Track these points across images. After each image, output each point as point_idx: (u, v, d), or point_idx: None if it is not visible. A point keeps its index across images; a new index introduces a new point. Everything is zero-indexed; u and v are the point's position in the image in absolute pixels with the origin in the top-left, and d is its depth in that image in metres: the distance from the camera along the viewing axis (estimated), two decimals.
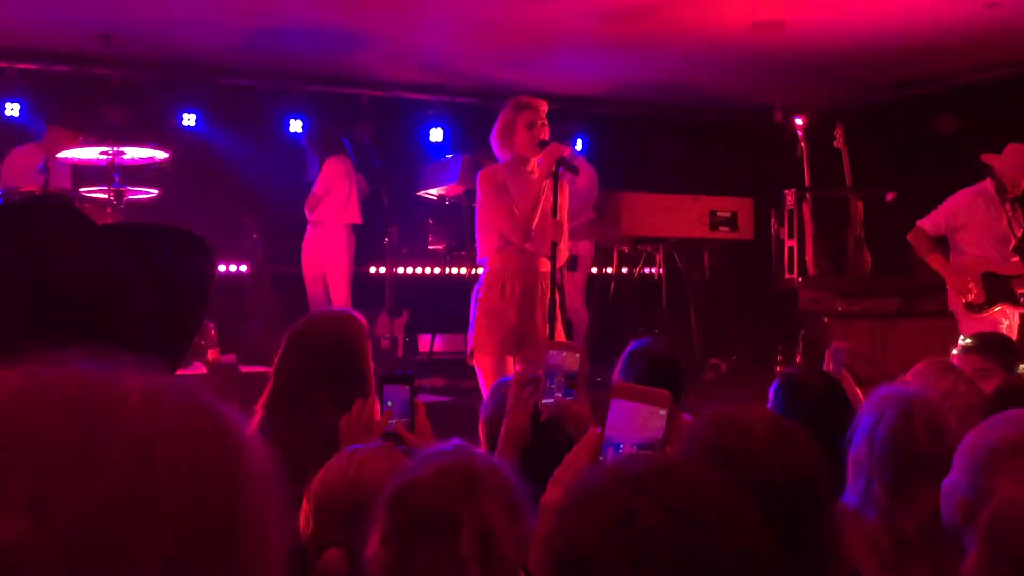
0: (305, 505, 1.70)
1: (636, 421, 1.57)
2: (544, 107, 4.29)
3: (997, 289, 5.31)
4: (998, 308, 5.30)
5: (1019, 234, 5.44)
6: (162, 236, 1.24)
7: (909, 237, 5.53)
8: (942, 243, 5.56)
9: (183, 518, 0.59)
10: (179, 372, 6.37)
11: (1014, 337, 5.12)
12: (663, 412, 1.55)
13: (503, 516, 1.43)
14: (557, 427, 2.25)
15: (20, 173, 6.23)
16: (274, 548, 0.65)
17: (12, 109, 7.18)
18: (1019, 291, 5.33)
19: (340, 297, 6.75)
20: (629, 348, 2.88)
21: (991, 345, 3.48)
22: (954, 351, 3.61)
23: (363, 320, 2.59)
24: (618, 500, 0.94)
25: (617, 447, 1.57)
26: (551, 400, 2.17)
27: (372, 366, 2.51)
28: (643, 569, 0.90)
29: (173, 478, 0.60)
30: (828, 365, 3.22)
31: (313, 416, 2.30)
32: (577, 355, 2.18)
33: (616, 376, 2.80)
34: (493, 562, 1.39)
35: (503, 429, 2.23)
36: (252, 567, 0.63)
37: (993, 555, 1.34)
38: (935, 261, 5.47)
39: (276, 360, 2.48)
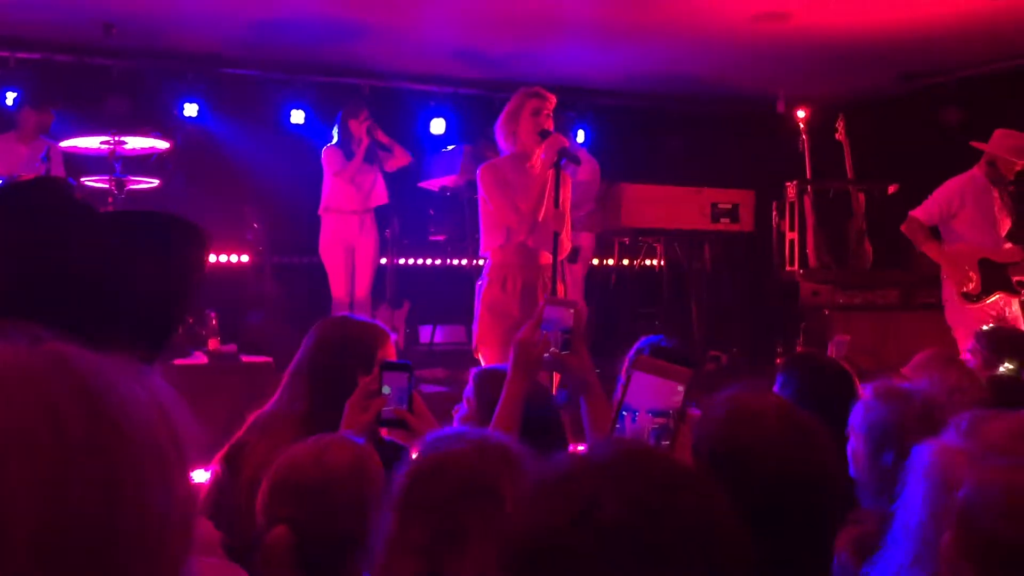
0: (264, 484, 1.71)
1: (654, 393, 1.64)
2: (552, 100, 4.29)
3: (994, 277, 5.30)
4: (995, 297, 5.30)
5: (1011, 220, 5.44)
6: (156, 222, 1.24)
7: (903, 228, 5.53)
8: (935, 233, 5.56)
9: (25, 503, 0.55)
10: (179, 362, 6.30)
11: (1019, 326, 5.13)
12: (681, 388, 1.62)
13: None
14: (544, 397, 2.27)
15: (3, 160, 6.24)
16: (158, 511, 0.61)
17: (13, 99, 7.17)
18: (1015, 279, 5.32)
19: (364, 287, 6.71)
20: (639, 343, 2.88)
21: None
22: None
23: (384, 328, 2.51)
24: (582, 488, 0.89)
25: (634, 414, 1.65)
26: (548, 355, 2.15)
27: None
28: (600, 563, 0.85)
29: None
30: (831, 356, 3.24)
31: (322, 414, 2.28)
32: (573, 311, 2.16)
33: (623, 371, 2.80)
34: None
35: (513, 349, 2.17)
36: (131, 533, 0.59)
37: (967, 538, 1.34)
38: (931, 250, 5.47)
39: (310, 350, 2.41)
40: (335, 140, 6.65)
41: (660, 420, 1.62)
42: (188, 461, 0.65)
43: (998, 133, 5.43)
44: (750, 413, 1.41)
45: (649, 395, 1.64)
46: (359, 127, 6.59)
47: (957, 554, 1.33)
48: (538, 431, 2.13)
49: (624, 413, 1.66)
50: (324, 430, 1.88)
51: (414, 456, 1.54)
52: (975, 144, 5.45)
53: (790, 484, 1.32)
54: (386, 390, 2.16)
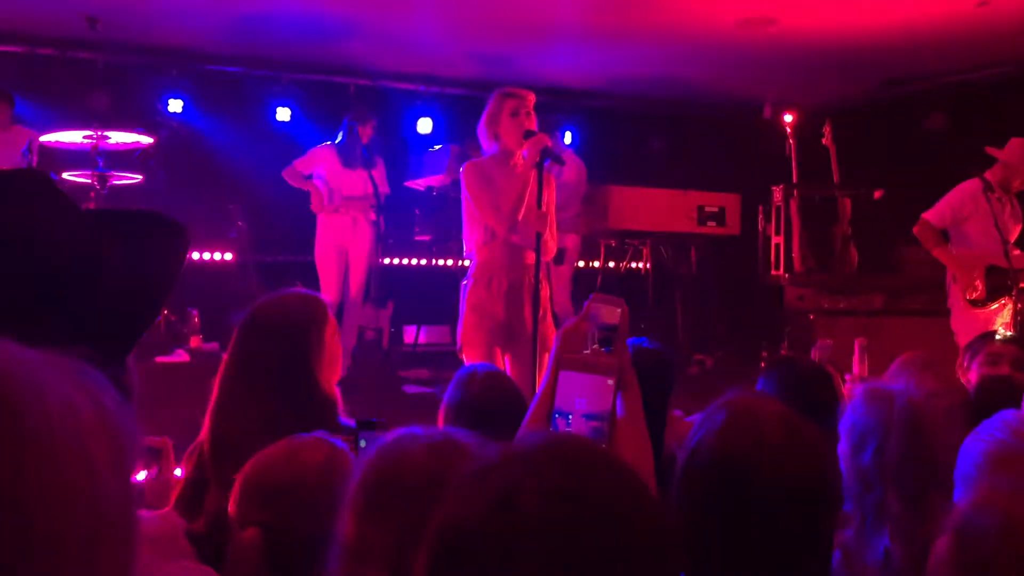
0: (236, 484, 1.69)
1: (585, 391, 1.62)
2: (531, 98, 4.27)
3: (999, 284, 5.31)
4: (1000, 303, 5.30)
5: (1019, 227, 5.46)
6: (136, 218, 1.22)
7: (915, 231, 5.49)
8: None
9: None
10: (161, 359, 6.24)
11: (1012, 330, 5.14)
12: (611, 382, 1.61)
13: None
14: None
15: None
16: (79, 517, 0.60)
17: None
18: (1021, 285, 5.33)
19: (357, 287, 6.67)
20: None
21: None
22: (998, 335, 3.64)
23: (322, 301, 2.46)
24: (504, 478, 0.87)
25: (566, 417, 1.62)
26: (589, 351, 2.14)
27: (331, 350, 2.40)
28: (517, 555, 0.83)
29: None
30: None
31: (256, 402, 2.24)
32: (618, 309, 2.14)
33: None
34: None
35: (560, 336, 2.17)
36: (47, 537, 0.58)
37: (959, 553, 1.34)
38: (943, 255, 5.44)
39: (231, 342, 2.39)
40: (338, 140, 6.63)
41: (594, 423, 1.60)
42: (126, 464, 0.63)
43: (1015, 141, 5.42)
44: (750, 418, 1.38)
45: (581, 395, 1.61)
46: (364, 133, 6.59)
47: (948, 564, 1.34)
48: (506, 423, 2.14)
49: (556, 417, 1.62)
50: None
51: (368, 460, 1.51)
52: (990, 150, 5.44)
53: (791, 488, 1.31)
54: (363, 443, 2.14)
